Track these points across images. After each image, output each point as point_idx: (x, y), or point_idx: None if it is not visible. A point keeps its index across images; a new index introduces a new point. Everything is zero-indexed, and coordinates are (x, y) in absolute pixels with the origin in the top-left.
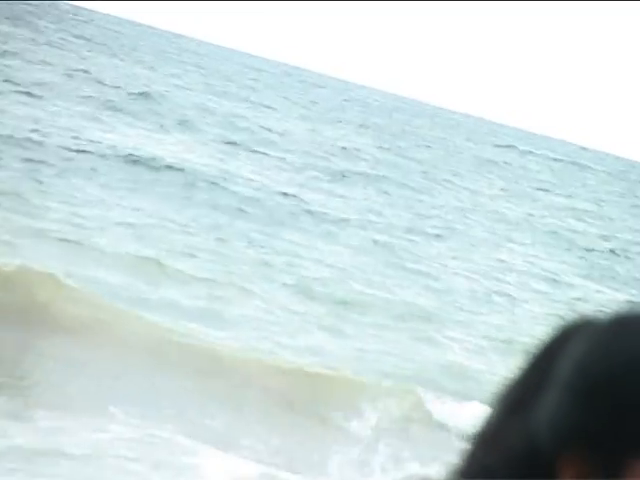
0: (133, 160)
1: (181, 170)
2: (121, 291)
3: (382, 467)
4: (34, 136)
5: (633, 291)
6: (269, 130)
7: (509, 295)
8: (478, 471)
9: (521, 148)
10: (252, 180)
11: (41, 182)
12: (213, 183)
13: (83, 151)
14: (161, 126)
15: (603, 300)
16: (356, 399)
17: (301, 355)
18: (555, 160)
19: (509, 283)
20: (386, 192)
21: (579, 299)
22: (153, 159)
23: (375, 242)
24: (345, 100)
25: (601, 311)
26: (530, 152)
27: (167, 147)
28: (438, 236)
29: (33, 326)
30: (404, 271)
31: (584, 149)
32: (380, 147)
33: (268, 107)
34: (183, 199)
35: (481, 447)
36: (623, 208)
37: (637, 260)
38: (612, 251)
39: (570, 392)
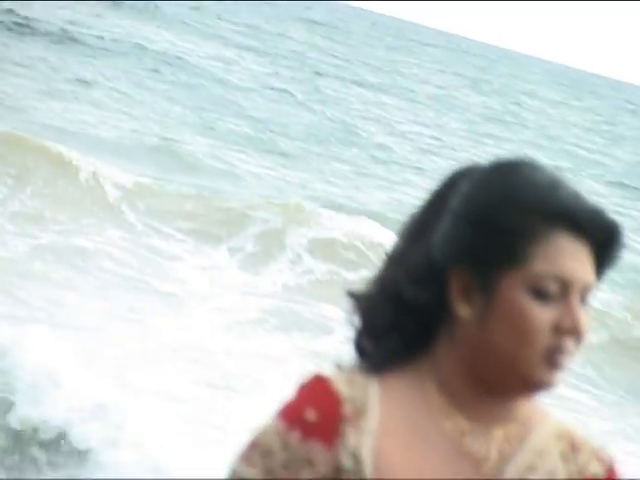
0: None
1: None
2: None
3: None
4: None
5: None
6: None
7: (423, 149)
8: (388, 283)
9: (427, 41)
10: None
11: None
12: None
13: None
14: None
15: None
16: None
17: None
18: (451, 50)
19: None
20: (317, 72)
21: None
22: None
23: (324, 115)
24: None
25: (486, 158)
26: (433, 44)
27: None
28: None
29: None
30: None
31: (471, 40)
32: (326, 38)
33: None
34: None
35: (391, 264)
36: (503, 82)
37: (514, 122)
38: (490, 108)
39: (458, 219)
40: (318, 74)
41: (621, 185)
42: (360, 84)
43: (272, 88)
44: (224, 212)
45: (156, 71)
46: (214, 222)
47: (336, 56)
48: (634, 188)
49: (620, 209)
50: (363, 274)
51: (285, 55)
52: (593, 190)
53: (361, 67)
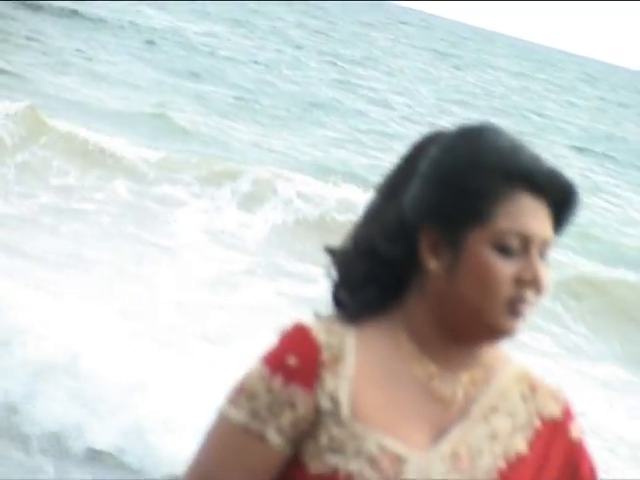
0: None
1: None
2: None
3: None
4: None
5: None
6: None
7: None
8: (363, 239)
9: (402, 19)
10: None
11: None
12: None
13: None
14: None
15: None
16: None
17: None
18: (423, 27)
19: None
20: (299, 46)
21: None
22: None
23: (307, 85)
24: None
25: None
26: (408, 22)
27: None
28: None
29: None
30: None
31: (443, 19)
32: (308, 14)
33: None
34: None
35: (366, 222)
36: (472, 57)
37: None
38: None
39: (427, 182)
40: (299, 48)
41: (578, 149)
42: (339, 57)
43: (257, 62)
44: (222, 165)
45: (152, 43)
46: (215, 173)
47: (319, 32)
48: (591, 151)
49: (577, 170)
50: (351, 217)
51: (270, 31)
52: (553, 153)
53: (340, 42)
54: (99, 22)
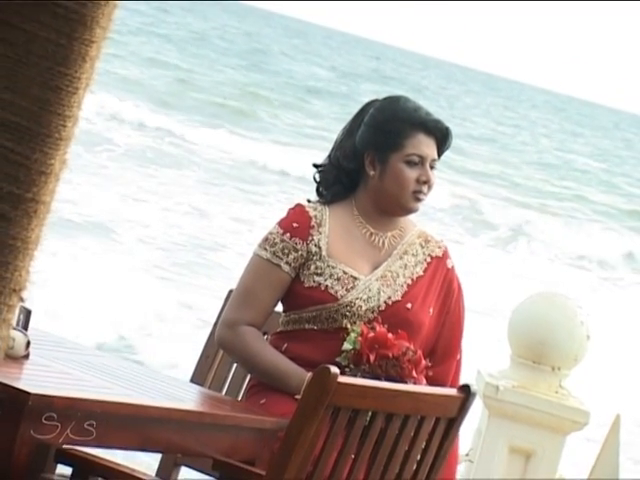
0: None
1: None
2: None
3: None
4: None
5: None
6: None
7: None
8: (334, 159)
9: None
10: None
11: None
12: None
13: None
14: None
15: None
16: None
17: None
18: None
19: None
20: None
21: None
22: None
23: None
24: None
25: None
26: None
27: None
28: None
29: None
30: None
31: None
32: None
33: None
34: None
35: (336, 149)
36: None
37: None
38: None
39: (368, 126)
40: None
41: None
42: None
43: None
44: None
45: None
46: None
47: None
48: None
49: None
50: None
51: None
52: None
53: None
54: None
